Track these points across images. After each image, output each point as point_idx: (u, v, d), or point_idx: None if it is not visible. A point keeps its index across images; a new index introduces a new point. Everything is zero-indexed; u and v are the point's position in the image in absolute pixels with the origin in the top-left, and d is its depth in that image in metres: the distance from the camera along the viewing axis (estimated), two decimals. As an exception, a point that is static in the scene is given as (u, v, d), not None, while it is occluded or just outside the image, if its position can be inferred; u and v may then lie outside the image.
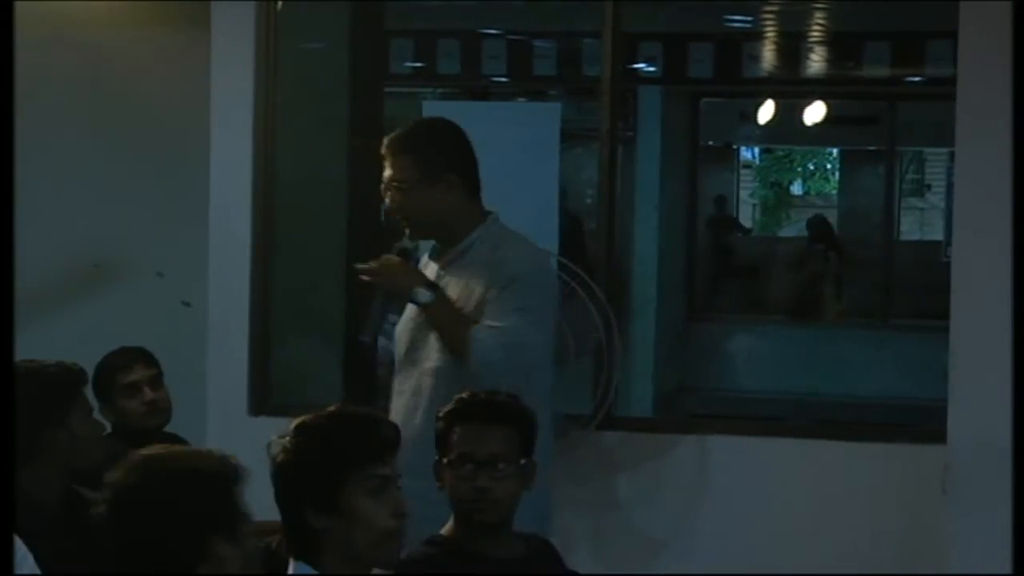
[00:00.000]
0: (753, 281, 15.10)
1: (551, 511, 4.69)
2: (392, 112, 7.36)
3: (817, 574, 5.45)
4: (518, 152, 5.72)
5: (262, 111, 6.07)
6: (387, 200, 4.64)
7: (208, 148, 6.07)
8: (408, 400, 4.55)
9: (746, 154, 20.64)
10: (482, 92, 11.18)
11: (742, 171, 20.16)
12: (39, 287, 6.45)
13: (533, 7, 10.13)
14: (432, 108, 6.44)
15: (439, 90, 11.40)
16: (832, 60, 11.19)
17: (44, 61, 6.46)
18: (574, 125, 9.81)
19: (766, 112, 13.28)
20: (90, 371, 4.41)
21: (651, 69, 10.94)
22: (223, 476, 2.79)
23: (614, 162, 5.98)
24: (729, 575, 5.61)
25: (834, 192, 20.55)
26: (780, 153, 21.69)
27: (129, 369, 4.93)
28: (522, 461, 3.64)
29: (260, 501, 4.90)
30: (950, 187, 14.98)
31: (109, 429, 4.72)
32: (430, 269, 4.64)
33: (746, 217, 20.18)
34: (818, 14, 10.46)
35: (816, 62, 11.36)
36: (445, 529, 3.64)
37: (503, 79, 10.89)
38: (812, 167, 23.02)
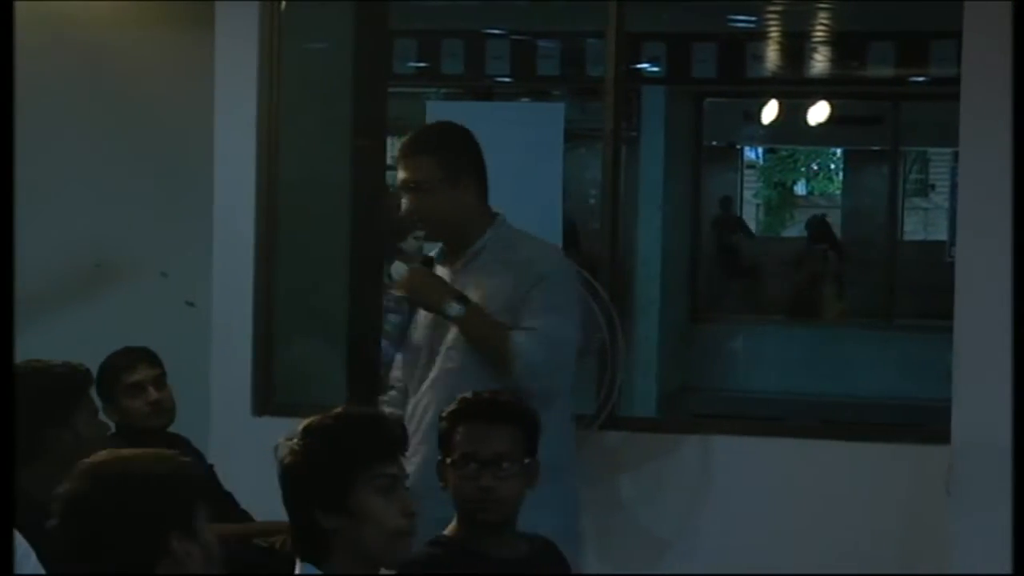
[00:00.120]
0: (756, 281, 15.11)
1: (579, 510, 4.70)
2: (396, 112, 7.36)
3: (820, 574, 5.45)
4: (522, 152, 5.72)
5: (266, 111, 6.07)
6: (404, 202, 4.61)
7: (212, 148, 6.08)
8: (431, 400, 4.54)
9: (750, 154, 20.64)
10: (486, 92, 11.19)
11: (746, 171, 20.16)
12: (42, 287, 6.46)
13: (537, 7, 10.13)
14: (436, 108, 6.45)
15: (443, 90, 11.41)
16: (836, 60, 11.19)
17: (47, 62, 6.46)
18: (578, 125, 9.85)
19: (770, 112, 13.27)
20: (93, 371, 4.42)
21: (655, 69, 10.94)
22: (171, 474, 2.80)
23: (618, 162, 5.98)
24: (732, 575, 5.61)
25: (838, 192, 20.55)
26: (784, 153, 21.69)
27: (133, 369, 4.93)
28: (526, 460, 3.64)
29: (262, 501, 4.91)
30: (954, 187, 14.95)
31: (113, 430, 4.72)
32: (440, 272, 4.64)
33: (750, 217, 20.17)
34: (822, 14, 10.46)
35: (820, 62, 11.36)
36: (448, 529, 3.64)
37: (507, 79, 10.89)
38: (816, 167, 23.01)
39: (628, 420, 6.06)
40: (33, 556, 3.39)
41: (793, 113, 13.65)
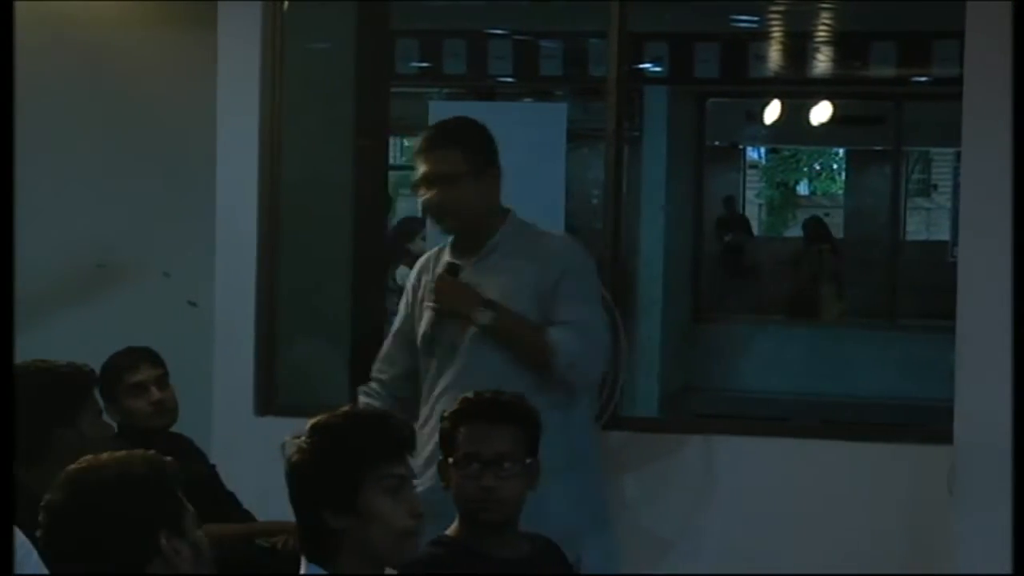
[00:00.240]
0: (758, 282, 15.11)
1: (607, 510, 4.70)
2: (398, 113, 7.36)
3: (823, 574, 5.45)
4: (524, 152, 5.72)
5: (268, 111, 6.07)
6: (427, 195, 4.59)
7: (214, 148, 6.08)
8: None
9: (752, 154, 20.63)
10: (488, 92, 11.19)
11: (748, 171, 20.16)
12: (45, 287, 6.46)
13: (539, 7, 10.12)
14: (438, 108, 6.44)
15: (445, 90, 11.42)
16: (838, 60, 11.19)
17: (50, 62, 6.47)
18: (580, 125, 9.85)
19: (772, 112, 13.27)
20: (96, 371, 4.41)
21: (657, 69, 10.94)
22: (151, 476, 2.81)
23: (620, 162, 5.98)
24: (735, 575, 5.61)
25: (840, 192, 20.54)
26: (786, 153, 21.68)
27: (136, 369, 4.93)
28: (528, 461, 3.64)
29: (265, 501, 4.91)
30: (956, 187, 14.96)
31: (116, 431, 4.72)
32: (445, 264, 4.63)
33: (752, 217, 20.16)
34: (824, 14, 10.45)
35: (822, 62, 11.36)
36: (450, 529, 3.64)
37: (509, 79, 10.89)
38: (818, 167, 23.01)
39: (630, 420, 6.06)
40: (35, 555, 3.38)
41: (795, 113, 13.65)
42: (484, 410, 3.66)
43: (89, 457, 2.88)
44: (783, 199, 21.81)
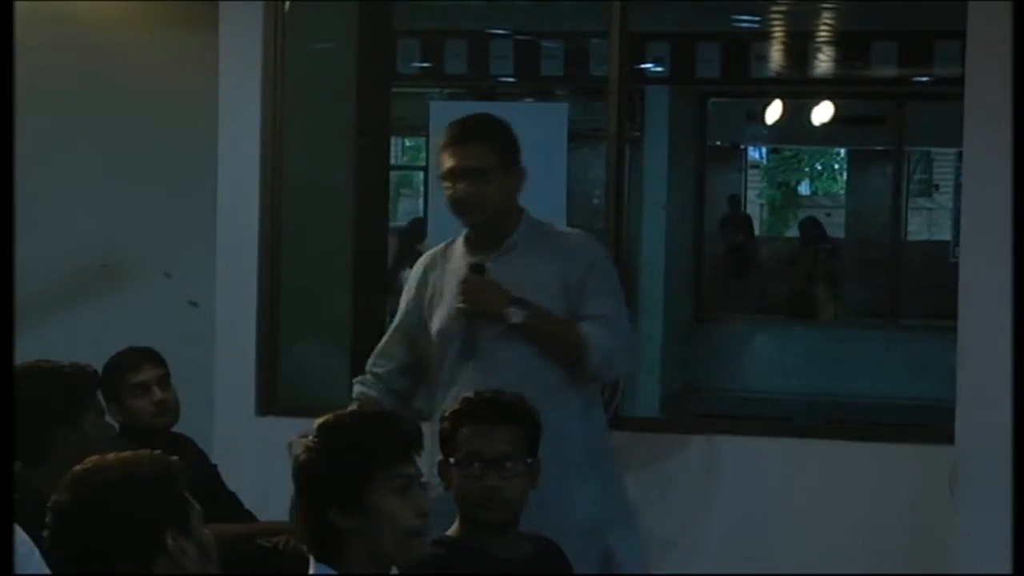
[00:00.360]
0: (759, 281, 15.11)
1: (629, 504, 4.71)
2: (400, 113, 7.36)
3: (824, 574, 5.45)
4: (526, 152, 5.71)
5: (270, 111, 6.07)
6: (454, 189, 4.57)
7: (216, 148, 6.08)
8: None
9: (754, 154, 20.61)
10: (489, 92, 11.17)
11: (750, 171, 20.14)
12: (47, 288, 6.47)
13: (541, 7, 10.12)
14: (440, 108, 6.44)
15: (446, 90, 11.42)
16: (840, 60, 11.18)
17: (50, 62, 6.48)
18: (581, 125, 9.84)
19: (774, 112, 13.26)
20: (98, 371, 4.42)
21: (659, 69, 10.94)
22: (157, 476, 2.82)
23: (621, 162, 5.98)
24: (737, 575, 5.61)
25: (842, 192, 20.52)
26: (788, 153, 21.66)
27: (138, 369, 4.93)
28: (528, 460, 3.64)
29: (266, 501, 4.91)
30: (958, 187, 14.96)
31: (118, 431, 4.72)
32: (466, 261, 4.62)
33: (754, 217, 20.15)
34: (826, 14, 10.45)
35: (824, 62, 11.35)
36: (451, 530, 3.64)
37: (511, 79, 10.88)
38: (820, 167, 22.98)
39: (632, 420, 6.06)
40: (37, 554, 3.39)
41: (797, 113, 13.64)
42: (486, 410, 3.67)
43: (95, 457, 2.89)
44: (784, 199, 21.78)
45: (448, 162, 4.58)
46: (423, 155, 13.87)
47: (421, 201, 15.78)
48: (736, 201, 17.05)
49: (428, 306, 4.70)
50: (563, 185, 6.01)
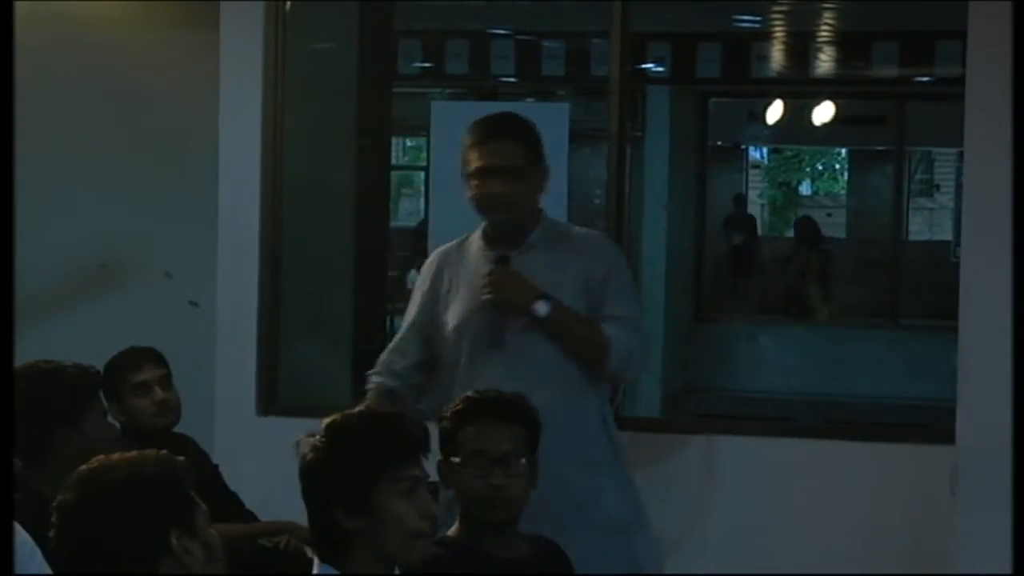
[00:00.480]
0: (760, 282, 15.12)
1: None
2: (401, 113, 7.37)
3: (825, 574, 5.45)
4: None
5: (270, 111, 6.08)
6: (483, 187, 4.53)
7: (216, 148, 6.08)
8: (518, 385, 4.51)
9: (755, 154, 20.59)
10: (491, 92, 11.18)
11: (751, 171, 20.13)
12: (47, 288, 6.47)
13: (542, 7, 10.13)
14: (441, 108, 6.45)
15: (447, 90, 11.42)
16: (841, 60, 11.18)
17: (50, 62, 6.48)
18: (583, 125, 9.82)
19: (775, 112, 13.27)
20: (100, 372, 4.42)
21: (659, 69, 10.94)
22: (162, 476, 2.82)
23: (622, 162, 5.99)
24: (737, 575, 5.61)
25: (843, 192, 20.51)
26: (789, 153, 21.65)
27: (139, 369, 4.92)
28: (531, 459, 3.65)
29: (268, 501, 4.92)
30: (959, 187, 14.96)
31: (120, 433, 4.72)
32: (486, 257, 4.60)
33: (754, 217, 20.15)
34: (827, 14, 10.45)
35: (825, 62, 11.35)
36: (451, 530, 3.64)
37: (512, 79, 10.89)
38: (821, 167, 22.97)
39: (633, 420, 6.06)
40: (39, 554, 3.39)
41: (798, 113, 13.65)
42: (491, 409, 3.66)
43: (101, 457, 2.89)
44: (785, 199, 21.78)
45: (477, 160, 4.53)
46: (424, 155, 13.88)
47: (422, 201, 15.79)
48: (741, 201, 17.05)
49: (443, 301, 4.66)
50: (564, 185, 6.01)
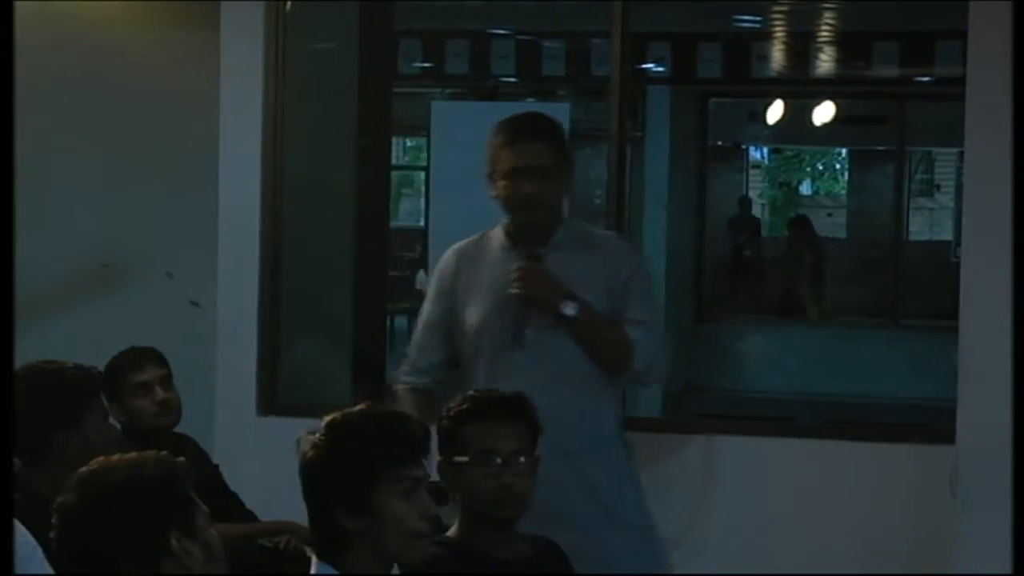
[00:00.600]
0: (760, 282, 15.12)
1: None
2: (401, 113, 7.36)
3: (825, 574, 5.45)
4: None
5: (271, 111, 6.07)
6: (514, 187, 4.50)
7: (216, 148, 6.08)
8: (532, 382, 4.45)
9: (755, 154, 20.61)
10: (491, 92, 11.19)
11: (751, 171, 20.14)
12: (48, 288, 6.47)
13: (542, 7, 10.13)
14: (441, 108, 6.45)
15: (448, 90, 11.43)
16: (841, 60, 11.19)
17: (51, 62, 6.48)
18: (583, 125, 9.83)
19: (775, 112, 13.27)
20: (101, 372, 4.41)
21: (660, 69, 10.95)
22: (162, 477, 2.82)
23: (623, 162, 5.98)
24: (738, 574, 5.61)
25: (843, 192, 20.52)
26: (789, 153, 21.66)
27: (140, 368, 4.92)
28: (532, 457, 3.65)
29: (268, 501, 4.92)
30: (959, 187, 14.96)
31: (121, 433, 4.72)
32: (511, 254, 4.57)
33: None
34: (827, 14, 10.45)
35: (825, 62, 11.36)
36: (451, 530, 3.64)
37: (512, 79, 10.89)
38: (821, 167, 22.98)
39: (633, 420, 6.03)
40: (39, 554, 3.39)
41: (798, 113, 13.65)
42: (497, 408, 3.66)
43: (101, 458, 2.89)
44: (786, 199, 21.78)
45: (509, 160, 4.51)
46: (424, 155, 13.89)
47: (422, 201, 15.80)
48: (746, 203, 17.07)
49: (462, 298, 4.63)
50: (564, 185, 6.00)
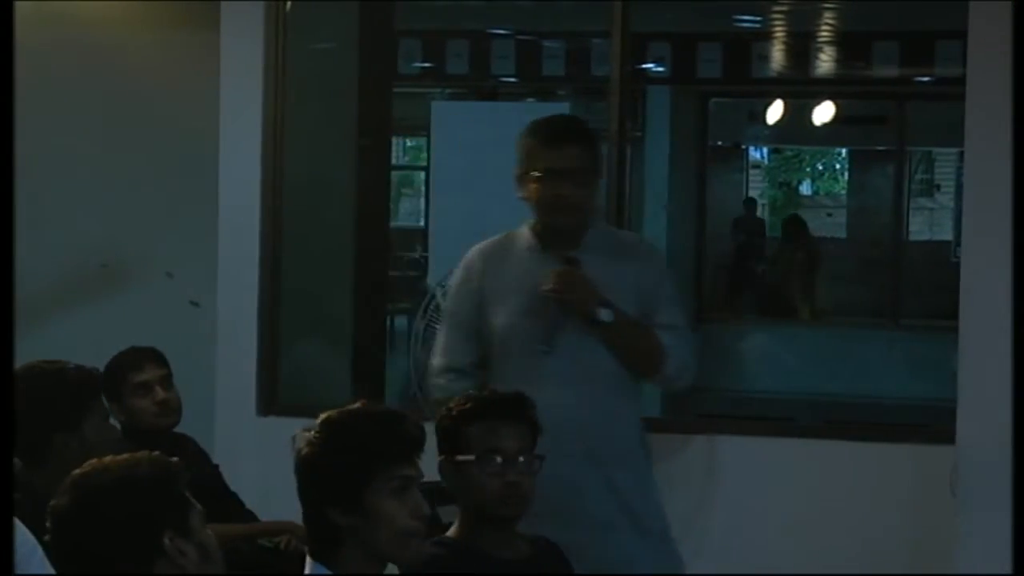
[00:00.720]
0: (761, 283, 15.13)
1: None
2: (401, 113, 7.37)
3: (825, 574, 5.45)
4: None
5: (271, 111, 6.07)
6: (550, 189, 4.46)
7: (217, 148, 6.08)
8: (566, 389, 4.45)
9: (755, 154, 20.60)
10: (491, 92, 11.20)
11: (751, 171, 20.14)
12: (48, 288, 6.47)
13: (542, 7, 10.13)
14: (441, 108, 6.45)
15: (448, 90, 11.44)
16: (841, 60, 11.19)
17: (51, 62, 6.48)
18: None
19: (775, 112, 13.27)
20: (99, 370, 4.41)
21: (660, 69, 10.95)
22: (155, 477, 2.83)
23: (623, 162, 5.99)
24: (739, 574, 5.61)
25: (843, 192, 20.51)
26: (789, 153, 21.66)
27: (140, 368, 4.92)
28: (533, 456, 3.65)
29: (268, 501, 4.91)
30: (959, 187, 14.96)
31: (121, 433, 4.72)
32: (543, 257, 4.54)
33: (754, 217, 20.15)
34: (827, 14, 10.46)
35: (825, 62, 11.36)
36: (451, 530, 3.64)
37: (512, 79, 10.90)
38: (821, 167, 22.98)
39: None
40: (39, 553, 3.39)
41: (798, 113, 13.65)
42: (500, 407, 3.67)
43: (94, 460, 2.90)
44: (786, 199, 21.78)
45: (546, 162, 4.47)
46: (424, 155, 13.89)
47: (422, 201, 15.80)
48: (751, 204, 17.08)
49: (489, 299, 4.58)
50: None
